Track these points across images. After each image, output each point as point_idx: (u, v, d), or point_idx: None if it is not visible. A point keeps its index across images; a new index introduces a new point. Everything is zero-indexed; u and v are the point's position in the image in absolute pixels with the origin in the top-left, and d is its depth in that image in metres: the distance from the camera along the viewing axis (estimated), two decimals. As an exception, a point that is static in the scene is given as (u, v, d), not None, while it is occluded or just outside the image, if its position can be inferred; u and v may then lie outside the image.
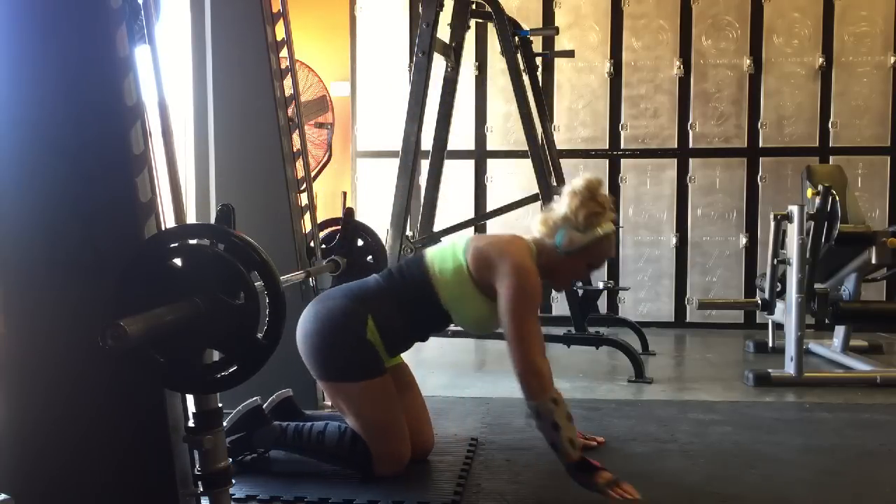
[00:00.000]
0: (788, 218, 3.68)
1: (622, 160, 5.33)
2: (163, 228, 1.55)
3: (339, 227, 2.97)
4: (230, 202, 1.52)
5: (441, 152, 4.21)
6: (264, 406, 2.39)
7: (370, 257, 2.98)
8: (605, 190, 2.29)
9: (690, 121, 5.30)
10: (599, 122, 5.35)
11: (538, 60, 4.48)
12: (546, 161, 4.07)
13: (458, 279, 2.26)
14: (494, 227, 5.35)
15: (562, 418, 2.05)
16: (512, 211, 4.11)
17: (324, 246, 3.00)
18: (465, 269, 2.25)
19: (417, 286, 2.29)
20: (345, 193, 3.10)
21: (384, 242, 3.33)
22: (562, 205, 2.26)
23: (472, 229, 5.15)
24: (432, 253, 2.34)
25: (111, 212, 1.50)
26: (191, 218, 2.81)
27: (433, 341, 2.83)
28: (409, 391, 2.45)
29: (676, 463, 2.48)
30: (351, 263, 2.92)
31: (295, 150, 3.00)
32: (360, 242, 2.97)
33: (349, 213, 2.94)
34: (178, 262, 1.43)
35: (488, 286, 2.22)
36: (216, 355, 1.46)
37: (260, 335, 1.42)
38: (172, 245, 1.43)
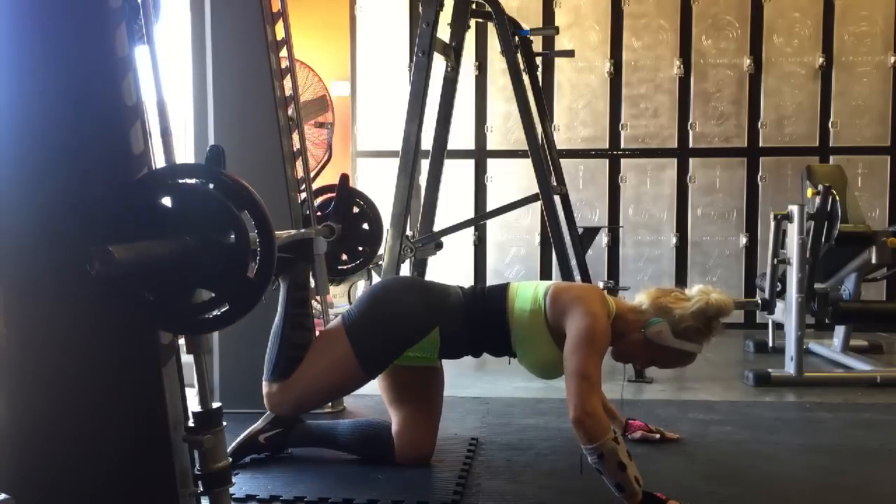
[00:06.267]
0: (788, 218, 3.68)
1: (622, 160, 5.32)
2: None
3: (334, 195, 2.95)
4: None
5: (441, 152, 4.21)
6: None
7: (366, 225, 2.98)
8: (726, 319, 2.24)
9: (690, 120, 5.30)
10: (599, 122, 5.35)
11: (538, 60, 4.47)
12: (546, 161, 4.06)
13: (533, 321, 2.26)
14: (494, 227, 5.37)
15: (625, 456, 1.98)
16: (512, 211, 4.11)
17: (319, 213, 2.99)
18: (542, 312, 2.26)
19: (493, 316, 2.31)
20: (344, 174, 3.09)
21: (384, 242, 3.33)
22: (685, 301, 2.22)
23: (474, 230, 5.20)
24: (515, 288, 2.35)
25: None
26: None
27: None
28: (435, 395, 2.46)
29: (676, 463, 2.48)
30: (346, 229, 2.92)
31: (295, 149, 3.00)
32: (355, 210, 2.96)
33: (344, 179, 2.92)
34: (168, 202, 1.43)
35: (560, 334, 2.21)
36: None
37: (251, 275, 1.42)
38: (162, 185, 1.43)
